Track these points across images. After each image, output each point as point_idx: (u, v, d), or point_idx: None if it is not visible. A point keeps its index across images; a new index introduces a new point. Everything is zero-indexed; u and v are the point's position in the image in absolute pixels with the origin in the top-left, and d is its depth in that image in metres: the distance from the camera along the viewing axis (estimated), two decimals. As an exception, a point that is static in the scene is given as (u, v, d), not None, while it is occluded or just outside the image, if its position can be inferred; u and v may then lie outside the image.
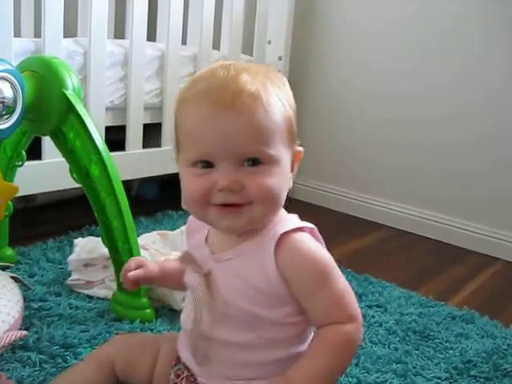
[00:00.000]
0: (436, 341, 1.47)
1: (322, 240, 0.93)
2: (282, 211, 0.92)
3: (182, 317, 1.00)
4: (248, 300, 0.87)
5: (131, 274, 1.03)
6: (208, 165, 0.83)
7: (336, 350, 0.84)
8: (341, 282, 0.88)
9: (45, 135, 1.45)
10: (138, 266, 1.05)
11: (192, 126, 0.84)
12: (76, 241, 1.68)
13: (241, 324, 0.89)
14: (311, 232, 0.91)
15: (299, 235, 0.88)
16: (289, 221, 0.90)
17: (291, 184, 0.90)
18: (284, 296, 0.87)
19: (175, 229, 1.80)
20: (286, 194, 0.88)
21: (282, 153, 0.85)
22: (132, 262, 1.06)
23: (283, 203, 0.88)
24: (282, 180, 0.85)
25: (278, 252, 0.86)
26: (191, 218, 1.00)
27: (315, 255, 0.87)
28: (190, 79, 0.90)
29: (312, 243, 0.89)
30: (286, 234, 0.87)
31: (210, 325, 0.91)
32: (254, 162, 0.82)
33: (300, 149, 0.92)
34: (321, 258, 0.87)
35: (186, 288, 1.00)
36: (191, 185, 0.85)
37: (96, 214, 1.40)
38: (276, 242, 0.86)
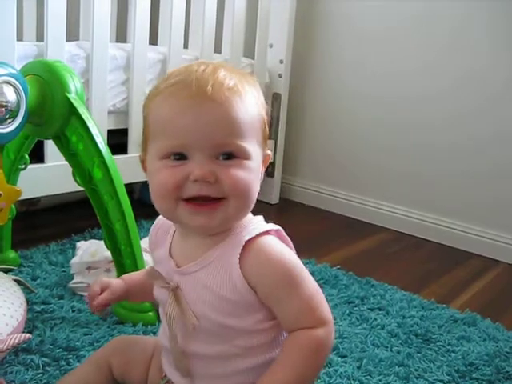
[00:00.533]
0: (438, 344, 1.47)
1: (289, 241, 0.91)
2: (248, 214, 0.90)
3: (159, 333, 0.99)
4: (217, 311, 0.85)
5: (97, 301, 1.01)
6: (181, 157, 0.81)
7: (307, 355, 0.83)
8: (310, 285, 0.86)
9: (48, 139, 1.46)
10: (103, 289, 1.02)
11: (167, 116, 0.82)
12: (78, 244, 1.68)
13: (213, 336, 0.88)
14: (278, 234, 0.89)
15: (265, 239, 0.86)
16: (253, 225, 0.88)
17: (258, 187, 0.88)
18: (253, 303, 0.85)
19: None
20: (257, 192, 0.85)
21: (255, 149, 0.84)
22: (96, 285, 1.03)
23: (254, 200, 0.85)
24: (254, 176, 0.84)
25: (243, 259, 0.83)
26: (152, 229, 0.99)
27: (282, 259, 0.85)
28: (166, 75, 0.88)
29: (278, 247, 0.86)
30: (250, 240, 0.84)
31: (183, 340, 0.90)
32: (229, 155, 0.81)
33: (269, 153, 0.90)
34: (287, 262, 0.85)
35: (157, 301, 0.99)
36: (162, 177, 0.82)
37: (99, 217, 1.40)
38: (241, 249, 0.84)
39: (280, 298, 0.84)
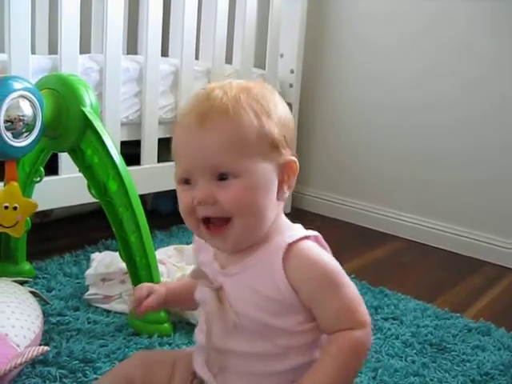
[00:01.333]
0: (453, 353, 1.47)
1: (327, 247, 0.93)
2: (285, 221, 0.94)
3: (196, 332, 1.01)
4: (259, 310, 0.88)
5: (144, 304, 1.03)
6: (188, 181, 0.87)
7: (347, 356, 0.85)
8: (350, 288, 0.88)
9: (63, 152, 1.47)
10: (149, 293, 1.04)
11: (174, 146, 0.89)
12: (93, 255, 1.69)
13: (254, 334, 0.90)
14: (316, 240, 0.92)
15: (305, 244, 0.89)
16: (294, 230, 0.91)
17: (286, 195, 0.91)
18: (295, 304, 0.88)
19: (191, 242, 1.80)
20: (271, 206, 0.88)
21: (256, 165, 0.85)
22: (143, 289, 1.05)
23: (270, 216, 0.88)
24: (255, 192, 0.86)
25: (286, 262, 0.86)
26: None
27: (323, 263, 0.87)
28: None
29: (319, 251, 0.89)
30: (292, 243, 0.87)
31: (223, 337, 0.92)
32: (224, 176, 0.84)
33: (290, 158, 0.90)
34: (328, 265, 0.88)
35: (196, 307, 1.01)
36: (180, 201, 0.89)
37: (114, 229, 1.41)
38: (283, 252, 0.87)
39: (321, 299, 0.87)
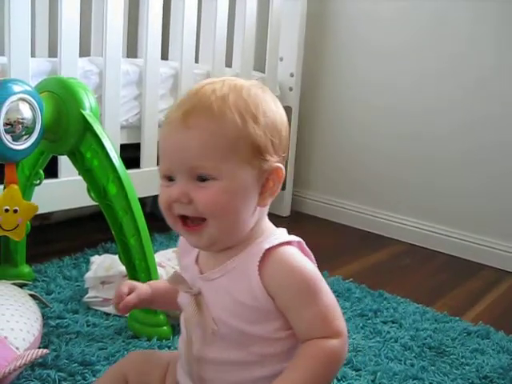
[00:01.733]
0: (452, 356, 1.47)
1: (310, 254, 0.92)
2: (269, 227, 0.93)
3: (179, 341, 1.00)
4: (236, 317, 0.87)
5: (124, 301, 1.02)
6: (170, 178, 0.87)
7: (320, 364, 0.83)
8: (327, 296, 0.87)
9: (63, 155, 1.47)
10: (131, 290, 1.04)
11: (159, 141, 0.90)
12: (92, 258, 1.69)
13: (231, 342, 0.89)
14: (299, 246, 0.91)
15: (285, 249, 0.87)
16: (275, 235, 0.90)
17: (267, 201, 0.89)
18: (271, 311, 0.87)
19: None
20: (248, 210, 0.87)
21: (236, 169, 0.84)
22: (124, 286, 1.05)
23: (248, 220, 0.87)
24: (232, 196, 0.84)
25: (263, 268, 0.85)
26: (181, 238, 1.01)
27: (300, 269, 0.86)
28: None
29: (298, 257, 0.88)
30: (271, 249, 0.86)
31: (201, 344, 0.91)
32: (203, 177, 0.83)
33: (277, 165, 0.88)
34: (306, 272, 0.86)
35: (181, 309, 1.00)
36: (159, 195, 0.89)
37: (113, 232, 1.41)
38: (260, 258, 0.85)
39: (297, 306, 0.85)
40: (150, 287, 1.07)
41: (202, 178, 0.83)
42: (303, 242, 0.92)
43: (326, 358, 0.84)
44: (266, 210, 0.92)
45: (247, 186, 0.86)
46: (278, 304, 0.86)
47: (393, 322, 1.63)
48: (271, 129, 0.87)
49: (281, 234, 0.91)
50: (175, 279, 0.96)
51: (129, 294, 1.03)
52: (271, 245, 0.86)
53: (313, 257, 0.92)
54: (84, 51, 1.95)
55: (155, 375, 1.03)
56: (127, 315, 1.48)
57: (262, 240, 0.89)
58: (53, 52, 2.30)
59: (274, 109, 0.89)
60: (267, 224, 0.93)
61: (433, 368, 1.41)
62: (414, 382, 1.33)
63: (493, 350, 1.53)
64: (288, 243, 0.89)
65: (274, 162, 0.87)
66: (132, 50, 2.75)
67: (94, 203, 1.44)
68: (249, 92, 0.87)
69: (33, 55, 1.72)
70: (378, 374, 1.34)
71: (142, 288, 1.05)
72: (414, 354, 1.46)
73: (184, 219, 0.86)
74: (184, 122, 0.83)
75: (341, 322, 0.87)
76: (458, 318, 1.71)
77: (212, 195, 0.83)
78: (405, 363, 1.42)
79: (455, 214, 2.38)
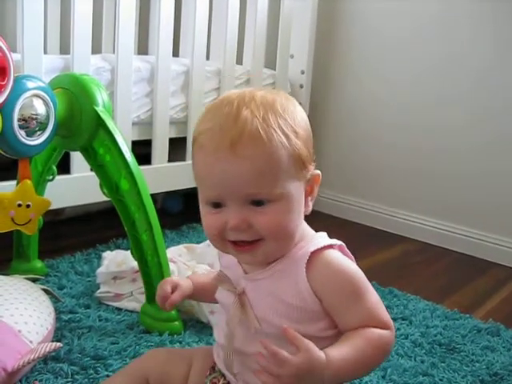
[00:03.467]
0: (462, 353, 1.47)
1: (351, 256, 0.94)
2: (308, 230, 0.94)
3: (215, 331, 1.02)
4: (282, 317, 0.88)
5: (170, 300, 1.03)
6: (218, 205, 0.86)
7: (371, 347, 0.85)
8: (373, 295, 0.89)
9: (75, 151, 1.48)
10: (173, 288, 1.05)
11: (199, 168, 0.88)
12: (104, 254, 1.70)
13: (276, 340, 0.88)
14: (340, 249, 0.93)
15: (329, 252, 0.89)
16: (318, 239, 0.92)
17: (310, 207, 0.92)
18: (317, 312, 0.88)
19: (200, 241, 1.82)
20: (299, 222, 0.89)
21: (289, 188, 0.85)
22: (167, 284, 1.05)
23: (298, 231, 0.89)
24: (289, 215, 0.86)
25: (309, 270, 0.87)
26: None
27: (347, 271, 0.88)
28: (204, 111, 0.91)
29: (343, 259, 0.90)
30: (316, 251, 0.88)
31: (243, 340, 0.93)
32: (260, 202, 0.84)
33: (316, 172, 0.91)
34: (352, 273, 0.88)
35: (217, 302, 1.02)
36: (207, 222, 0.89)
37: (126, 228, 1.42)
38: (307, 260, 0.87)
39: (346, 306, 0.87)
40: (192, 282, 1.08)
41: (259, 203, 0.84)
42: (344, 246, 0.94)
43: (377, 342, 0.85)
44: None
45: (299, 200, 0.88)
46: (325, 305, 0.88)
47: (403, 319, 1.64)
48: (306, 138, 0.88)
49: (323, 238, 0.93)
50: (220, 278, 0.98)
51: (172, 291, 1.04)
52: (316, 247, 0.88)
53: (354, 259, 0.94)
54: (95, 48, 1.95)
55: (178, 373, 1.04)
56: (138, 310, 1.49)
57: (305, 244, 0.90)
58: (64, 49, 2.31)
59: (303, 117, 0.90)
60: (306, 227, 0.94)
61: (443, 365, 1.41)
62: (424, 378, 1.34)
63: (503, 347, 1.53)
64: (330, 246, 0.90)
65: (313, 169, 0.90)
66: (143, 47, 2.75)
67: (106, 199, 1.45)
68: (282, 106, 0.87)
69: (45, 52, 1.73)
70: (389, 370, 1.34)
71: (185, 284, 1.06)
72: (424, 351, 1.47)
73: (236, 241, 0.87)
74: (233, 151, 0.81)
75: (388, 318, 0.89)
76: (468, 315, 1.71)
77: (272, 219, 0.84)
78: (415, 360, 1.42)
79: (466, 212, 2.38)
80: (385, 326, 0.87)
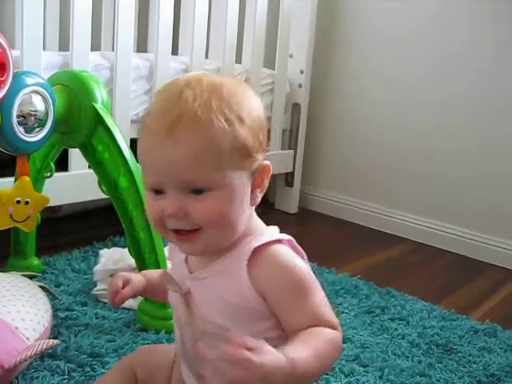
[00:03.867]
0: (459, 354, 1.47)
1: (302, 252, 0.90)
2: (258, 224, 0.91)
3: (175, 339, 1.00)
4: (225, 317, 0.86)
5: (120, 295, 1.01)
6: (159, 191, 0.83)
7: (326, 345, 0.80)
8: (319, 293, 0.85)
9: (74, 147, 1.48)
10: (125, 283, 1.02)
11: (140, 152, 0.85)
12: (101, 251, 1.70)
13: (219, 341, 0.88)
14: (290, 244, 0.89)
15: (274, 248, 0.85)
16: (265, 234, 0.88)
17: (259, 198, 0.88)
18: (262, 311, 0.85)
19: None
20: (242, 213, 0.85)
21: (230, 176, 0.82)
22: (118, 279, 1.03)
23: (240, 223, 0.85)
24: (229, 204, 0.82)
25: (252, 266, 0.84)
26: None
27: (290, 268, 0.84)
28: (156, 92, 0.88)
29: (287, 255, 0.86)
30: (260, 247, 0.84)
31: (193, 343, 0.90)
32: (198, 190, 0.81)
33: (265, 163, 0.86)
34: (296, 270, 0.84)
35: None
36: (149, 208, 0.86)
37: (123, 225, 1.42)
38: (249, 257, 0.84)
39: (289, 305, 0.83)
40: (145, 277, 1.06)
41: (197, 191, 0.81)
42: (293, 240, 0.90)
43: (331, 341, 0.81)
44: (254, 207, 0.89)
45: (242, 191, 0.84)
46: (269, 303, 0.84)
47: (400, 319, 1.63)
48: (256, 126, 0.84)
49: (271, 233, 0.89)
50: (165, 278, 0.95)
51: (123, 286, 1.02)
52: (260, 243, 0.85)
53: (304, 254, 0.90)
54: (94, 46, 1.95)
55: (162, 368, 1.04)
56: (135, 308, 1.49)
57: (252, 239, 0.86)
58: (63, 46, 2.31)
59: (256, 105, 0.86)
60: (257, 222, 0.91)
61: (440, 365, 1.41)
62: (422, 378, 1.34)
63: (500, 348, 1.53)
64: (278, 241, 0.87)
65: (262, 159, 0.86)
66: (141, 45, 2.75)
67: (103, 197, 1.45)
68: (229, 91, 0.83)
69: (43, 49, 1.73)
70: (386, 370, 1.34)
71: (137, 280, 1.04)
72: (421, 351, 1.47)
73: (177, 230, 0.84)
74: (171, 135, 0.79)
75: (334, 318, 0.85)
76: (465, 316, 1.71)
77: (210, 207, 0.81)
78: (412, 360, 1.42)
79: (462, 213, 2.38)
80: (331, 326, 0.83)
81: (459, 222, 2.38)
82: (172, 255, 0.99)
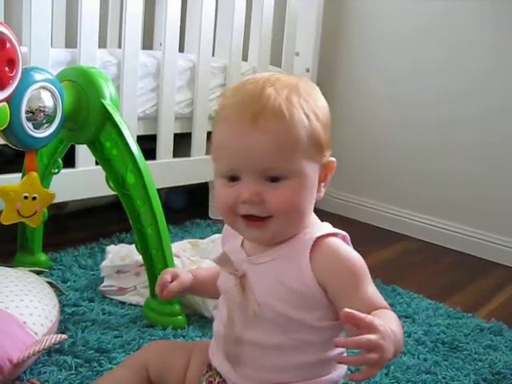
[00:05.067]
0: (465, 352, 1.47)
1: (352, 248, 0.94)
2: (315, 219, 0.95)
3: (215, 323, 1.02)
4: (282, 302, 0.89)
5: (168, 288, 1.04)
6: (234, 178, 0.87)
7: (397, 321, 0.85)
8: (372, 283, 0.90)
9: (82, 144, 1.48)
10: (173, 278, 1.06)
11: (219, 141, 0.89)
12: (108, 248, 1.71)
13: (273, 326, 0.91)
14: (344, 239, 0.93)
15: (333, 240, 0.90)
16: (323, 227, 0.93)
17: (322, 193, 0.93)
18: (318, 298, 0.88)
19: (204, 237, 1.83)
20: (311, 204, 0.90)
21: (305, 167, 0.87)
22: (167, 274, 1.06)
23: (308, 213, 0.90)
24: (302, 193, 0.87)
25: (313, 255, 0.88)
26: (225, 226, 1.02)
27: (350, 258, 0.89)
28: (224, 90, 0.93)
29: (346, 247, 0.91)
30: (320, 238, 0.89)
31: (242, 326, 0.93)
32: (275, 178, 0.85)
33: (332, 159, 0.94)
34: (355, 260, 0.89)
35: (218, 295, 1.02)
36: (221, 195, 0.90)
37: (131, 221, 1.42)
38: (311, 246, 0.88)
39: (348, 295, 0.87)
40: (192, 274, 1.09)
41: (274, 178, 0.85)
42: (348, 236, 0.94)
43: (394, 317, 0.85)
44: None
45: (313, 182, 0.89)
46: (329, 291, 0.88)
47: (406, 317, 1.64)
48: (327, 124, 0.91)
49: (327, 226, 0.94)
50: (222, 260, 0.98)
51: (171, 281, 1.05)
52: (321, 233, 0.89)
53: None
54: (101, 42, 1.95)
55: (177, 363, 1.05)
56: (142, 304, 1.49)
57: (311, 230, 0.91)
58: (70, 43, 2.31)
59: (324, 104, 0.93)
60: (314, 216, 0.95)
61: (446, 363, 1.41)
62: (427, 376, 1.34)
63: (506, 346, 1.53)
64: (335, 235, 0.92)
65: (329, 155, 0.92)
66: (148, 42, 2.75)
67: (110, 193, 1.46)
68: (305, 89, 0.89)
69: (51, 45, 1.74)
70: (392, 367, 1.34)
71: (184, 276, 1.07)
72: (427, 349, 1.47)
73: (247, 216, 0.87)
74: (254, 125, 0.83)
75: (386, 303, 0.89)
76: (470, 314, 1.71)
77: (286, 195, 0.85)
78: (418, 357, 1.42)
79: (468, 212, 2.38)
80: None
81: (465, 220, 2.38)
82: (226, 241, 1.02)
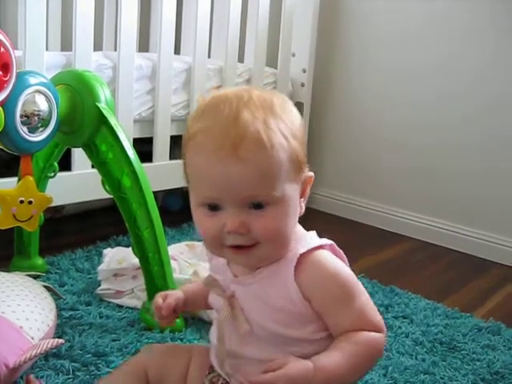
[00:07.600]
0: (463, 352, 1.47)
1: (343, 255, 0.93)
2: (300, 230, 0.93)
3: (211, 331, 1.02)
4: (272, 321, 0.89)
5: (164, 307, 1.02)
6: (216, 207, 0.84)
7: (362, 351, 0.85)
8: (364, 296, 0.89)
9: (77, 147, 1.48)
10: (164, 298, 1.04)
11: (196, 169, 0.86)
12: (105, 251, 1.70)
13: (268, 342, 0.90)
14: (331, 248, 0.92)
15: (319, 253, 0.89)
16: (307, 240, 0.91)
17: (303, 209, 0.91)
18: (308, 315, 0.88)
19: (201, 239, 1.82)
20: (295, 225, 0.89)
21: (288, 190, 0.85)
22: (158, 297, 1.04)
23: (291, 236, 0.88)
24: (287, 218, 0.86)
25: (298, 272, 0.86)
26: None
27: (336, 273, 0.87)
28: (197, 108, 0.88)
29: (332, 260, 0.89)
30: (305, 254, 0.87)
31: (236, 343, 0.93)
32: (259, 205, 0.83)
33: (310, 174, 0.91)
34: (342, 275, 0.88)
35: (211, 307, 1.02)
36: (204, 225, 0.87)
37: (127, 225, 1.42)
38: (295, 263, 0.87)
39: (335, 310, 0.87)
40: (183, 292, 1.07)
41: (257, 205, 0.83)
42: (335, 245, 0.93)
43: (368, 346, 0.86)
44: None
45: (296, 203, 0.88)
46: (314, 307, 0.87)
47: (404, 318, 1.64)
48: (302, 140, 0.88)
49: (312, 238, 0.92)
50: (209, 283, 0.98)
51: (163, 300, 1.04)
52: (305, 249, 0.87)
53: (345, 258, 0.93)
54: (97, 45, 1.95)
55: (177, 365, 1.04)
56: (139, 307, 1.49)
57: (295, 245, 0.89)
58: (65, 46, 2.31)
59: (299, 118, 0.89)
60: (298, 228, 0.93)
61: (444, 363, 1.41)
62: (426, 376, 1.34)
63: (504, 346, 1.53)
64: (320, 247, 0.90)
65: (307, 170, 0.90)
66: (144, 44, 2.75)
67: (106, 197, 1.45)
68: (281, 108, 0.85)
69: (46, 48, 1.73)
70: (390, 368, 1.34)
71: (175, 292, 1.06)
72: (425, 349, 1.47)
73: (235, 246, 0.85)
74: (235, 154, 0.79)
75: (380, 319, 0.89)
76: (468, 314, 1.71)
77: (272, 222, 0.83)
78: (416, 358, 1.42)
79: (467, 211, 2.38)
80: (376, 328, 0.87)
81: (462, 219, 2.38)
82: (212, 259, 1.00)
